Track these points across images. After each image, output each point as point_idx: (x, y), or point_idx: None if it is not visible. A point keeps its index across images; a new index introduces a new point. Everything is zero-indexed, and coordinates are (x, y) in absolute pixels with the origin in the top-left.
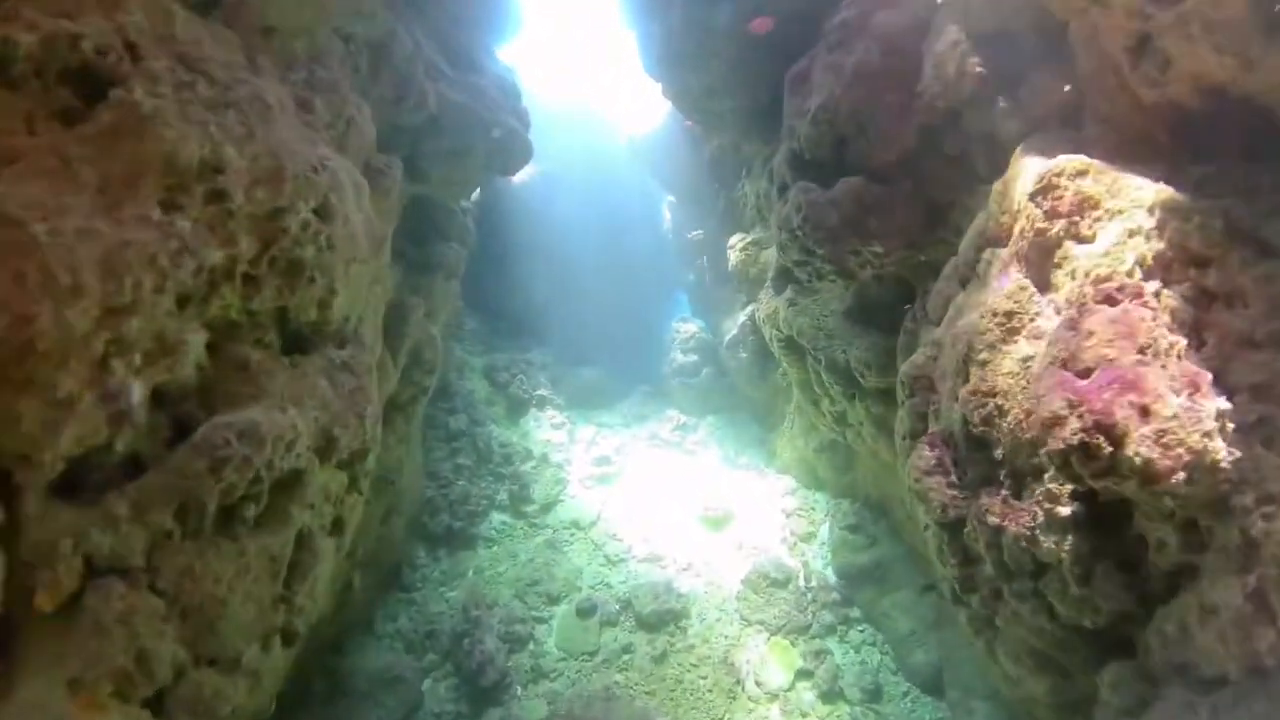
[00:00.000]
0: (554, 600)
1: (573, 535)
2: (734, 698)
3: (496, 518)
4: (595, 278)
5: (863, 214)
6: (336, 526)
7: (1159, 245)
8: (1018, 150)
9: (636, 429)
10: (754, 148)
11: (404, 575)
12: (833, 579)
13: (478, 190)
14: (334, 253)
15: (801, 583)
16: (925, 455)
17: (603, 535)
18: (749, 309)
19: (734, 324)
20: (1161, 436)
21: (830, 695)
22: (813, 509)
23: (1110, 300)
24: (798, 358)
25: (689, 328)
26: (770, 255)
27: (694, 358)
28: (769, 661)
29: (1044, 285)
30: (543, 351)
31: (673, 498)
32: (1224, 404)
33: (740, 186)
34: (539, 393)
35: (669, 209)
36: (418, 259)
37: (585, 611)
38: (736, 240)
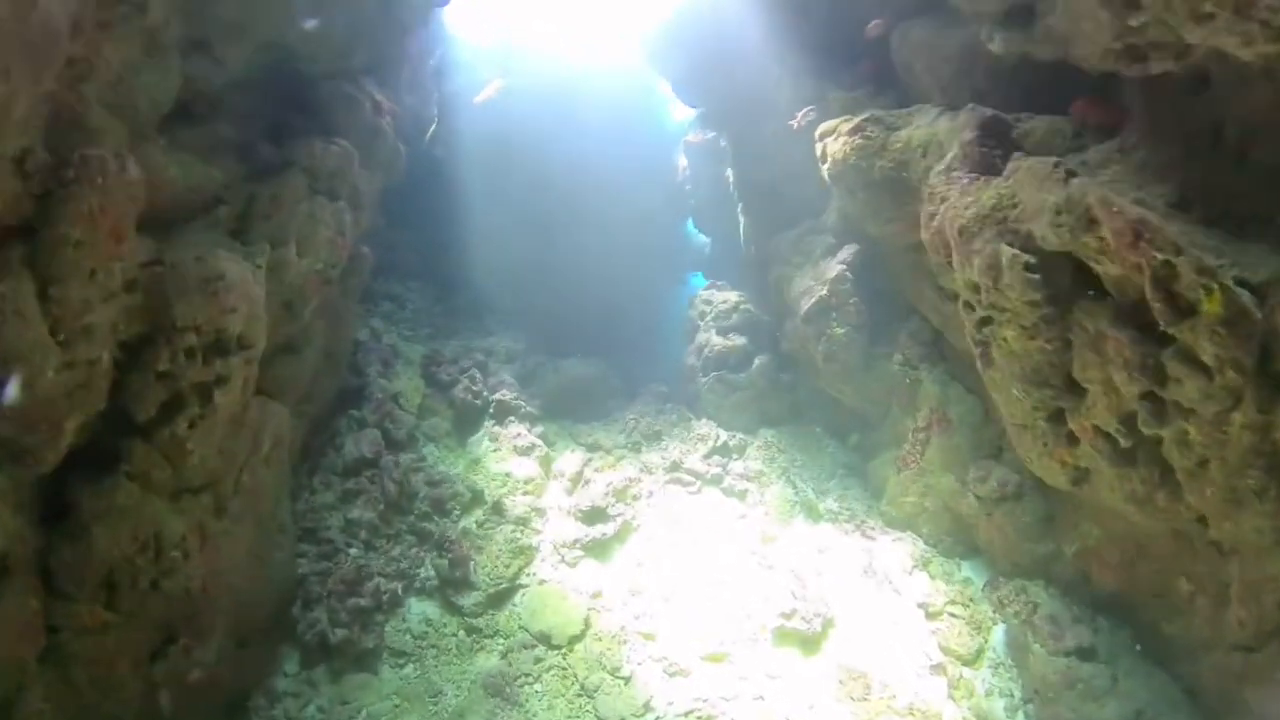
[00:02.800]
0: None
1: (539, 662)
2: None
3: (416, 610)
4: (584, 237)
5: None
6: None
7: None
8: None
9: (648, 454)
10: None
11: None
12: None
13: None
14: None
15: None
16: None
17: (593, 663)
18: (846, 251)
19: (815, 282)
20: None
21: None
22: (972, 600)
23: None
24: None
25: (726, 297)
26: (920, 133)
27: (739, 340)
28: None
29: None
30: (510, 336)
31: (718, 585)
32: None
33: None
34: (499, 396)
35: (687, 152)
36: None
37: None
38: (839, 124)
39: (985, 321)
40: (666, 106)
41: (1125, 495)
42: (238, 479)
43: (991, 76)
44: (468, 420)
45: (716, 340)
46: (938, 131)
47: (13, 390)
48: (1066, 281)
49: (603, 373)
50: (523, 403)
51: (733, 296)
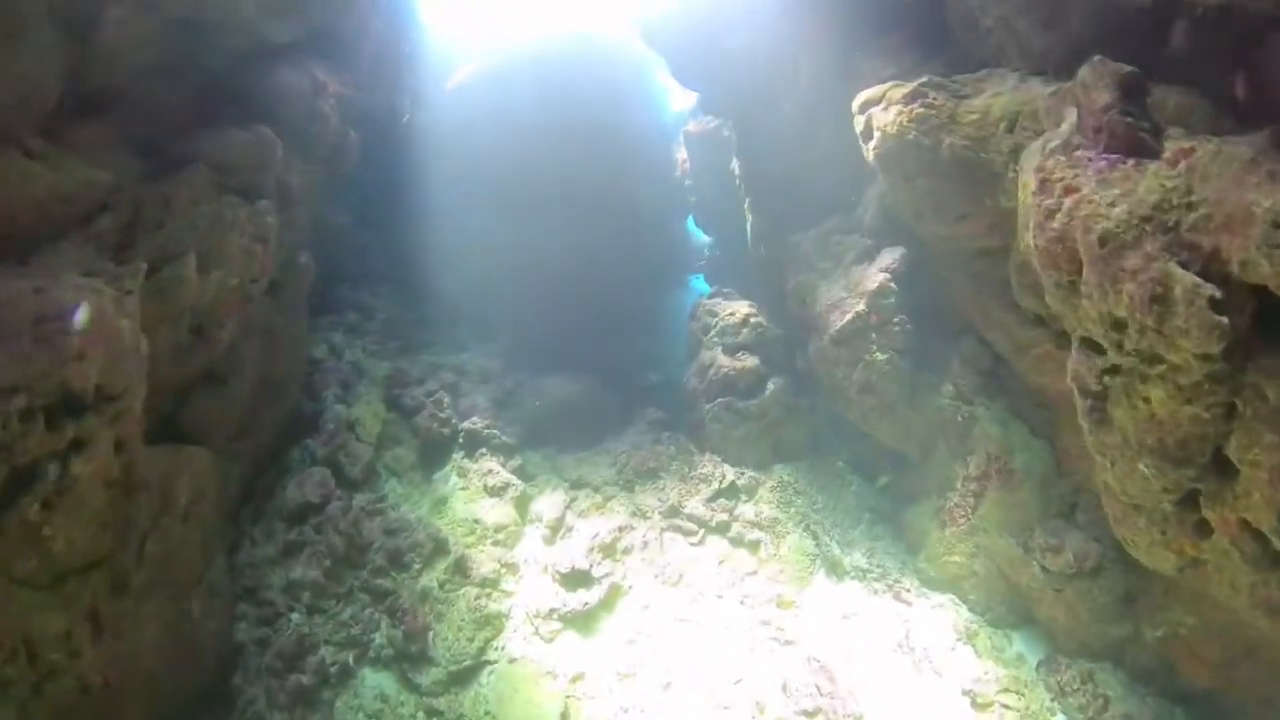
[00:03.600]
0: None
1: None
2: None
3: (371, 682)
4: (573, 237)
5: None
6: None
7: None
8: None
9: (643, 495)
10: None
11: None
12: None
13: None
14: None
15: None
16: None
17: None
18: (890, 257)
19: (848, 294)
20: None
21: None
22: (1027, 685)
23: None
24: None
25: (735, 308)
26: (1003, 102)
27: (750, 361)
28: None
29: None
30: (487, 351)
31: (725, 666)
32: None
33: None
34: (469, 425)
35: (686, 143)
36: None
37: None
38: (889, 90)
39: (1114, 371)
40: (665, 96)
41: (1256, 601)
42: (140, 548)
43: (1099, 23)
44: (435, 451)
45: (724, 361)
46: (1031, 99)
47: None
48: (1245, 325)
49: (591, 393)
50: (496, 432)
51: (742, 308)
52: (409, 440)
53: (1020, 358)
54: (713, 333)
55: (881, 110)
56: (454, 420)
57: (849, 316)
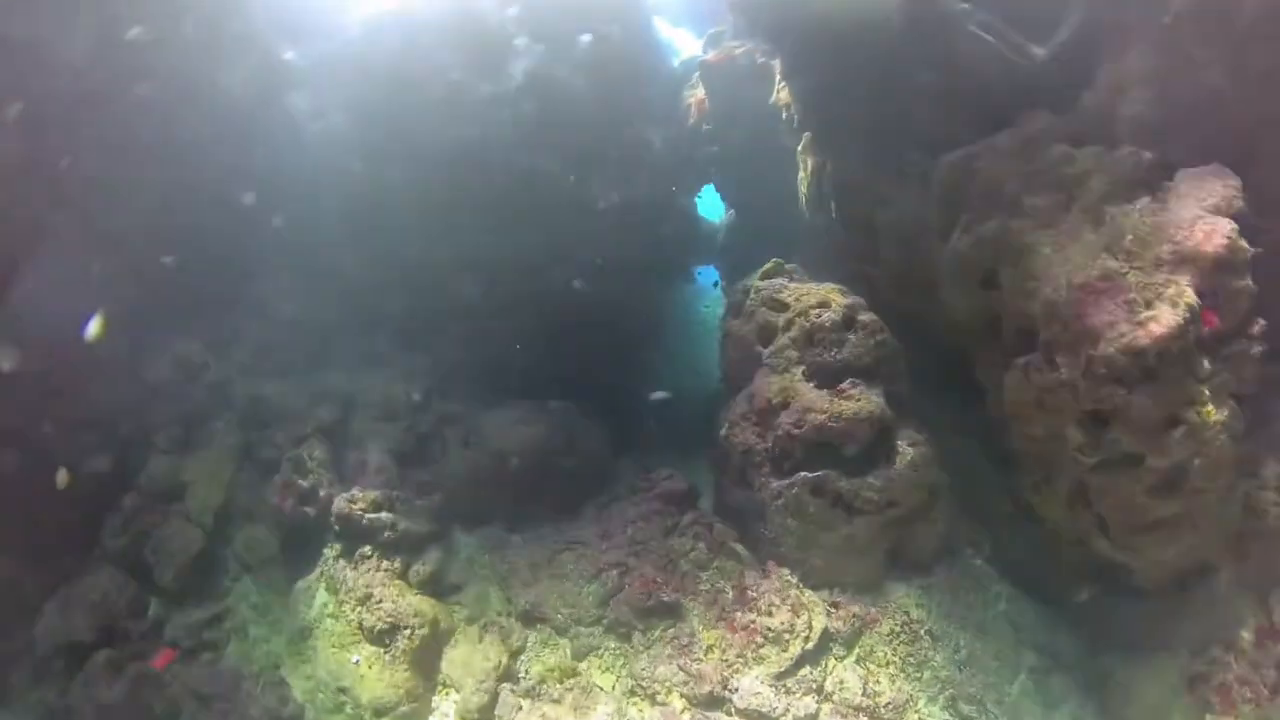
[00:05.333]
0: None
1: None
2: None
3: None
4: (535, 217)
5: None
6: None
7: None
8: None
9: (647, 652)
10: None
11: None
12: None
13: None
14: None
15: None
16: None
17: None
18: (1218, 181)
19: (1118, 258)
20: None
21: None
22: None
23: None
24: None
25: (821, 296)
26: None
27: (866, 400)
28: None
29: None
30: (404, 368)
31: None
32: None
33: None
34: (344, 502)
35: (705, 78)
36: None
37: None
38: None
39: None
40: (669, 45)
41: None
42: None
43: None
44: (301, 538)
45: (812, 398)
46: None
47: None
48: None
49: (560, 436)
50: (388, 516)
51: (835, 297)
52: (269, 517)
53: None
54: (782, 341)
55: None
56: (322, 490)
57: (1168, 321)
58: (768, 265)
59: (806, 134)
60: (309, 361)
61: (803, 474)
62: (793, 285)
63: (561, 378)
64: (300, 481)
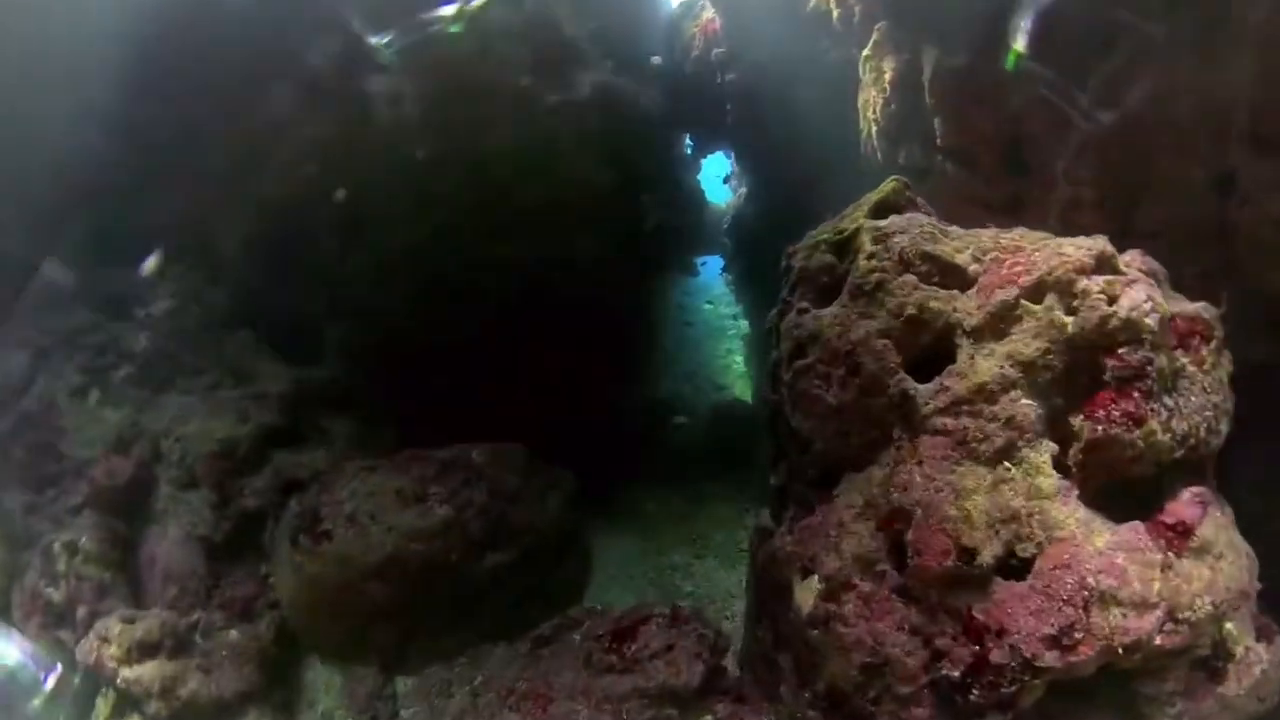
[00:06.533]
0: None
1: None
2: None
3: None
4: (474, 193)
5: None
6: None
7: None
8: None
9: None
10: None
11: None
12: None
13: None
14: None
15: None
16: None
17: None
18: None
19: None
20: None
21: None
22: None
23: None
24: None
25: (1100, 254)
26: None
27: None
28: None
29: None
30: (258, 388)
31: None
32: None
33: None
34: (111, 646)
35: None
36: None
37: None
38: None
39: None
40: None
41: None
42: None
43: None
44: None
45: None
46: None
47: None
48: None
49: (476, 521)
50: (176, 667)
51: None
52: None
53: None
54: (991, 371)
55: None
56: (83, 606)
57: None
58: (886, 187)
59: (880, 26)
60: (182, 371)
61: None
62: (973, 233)
63: (507, 400)
64: (49, 591)
